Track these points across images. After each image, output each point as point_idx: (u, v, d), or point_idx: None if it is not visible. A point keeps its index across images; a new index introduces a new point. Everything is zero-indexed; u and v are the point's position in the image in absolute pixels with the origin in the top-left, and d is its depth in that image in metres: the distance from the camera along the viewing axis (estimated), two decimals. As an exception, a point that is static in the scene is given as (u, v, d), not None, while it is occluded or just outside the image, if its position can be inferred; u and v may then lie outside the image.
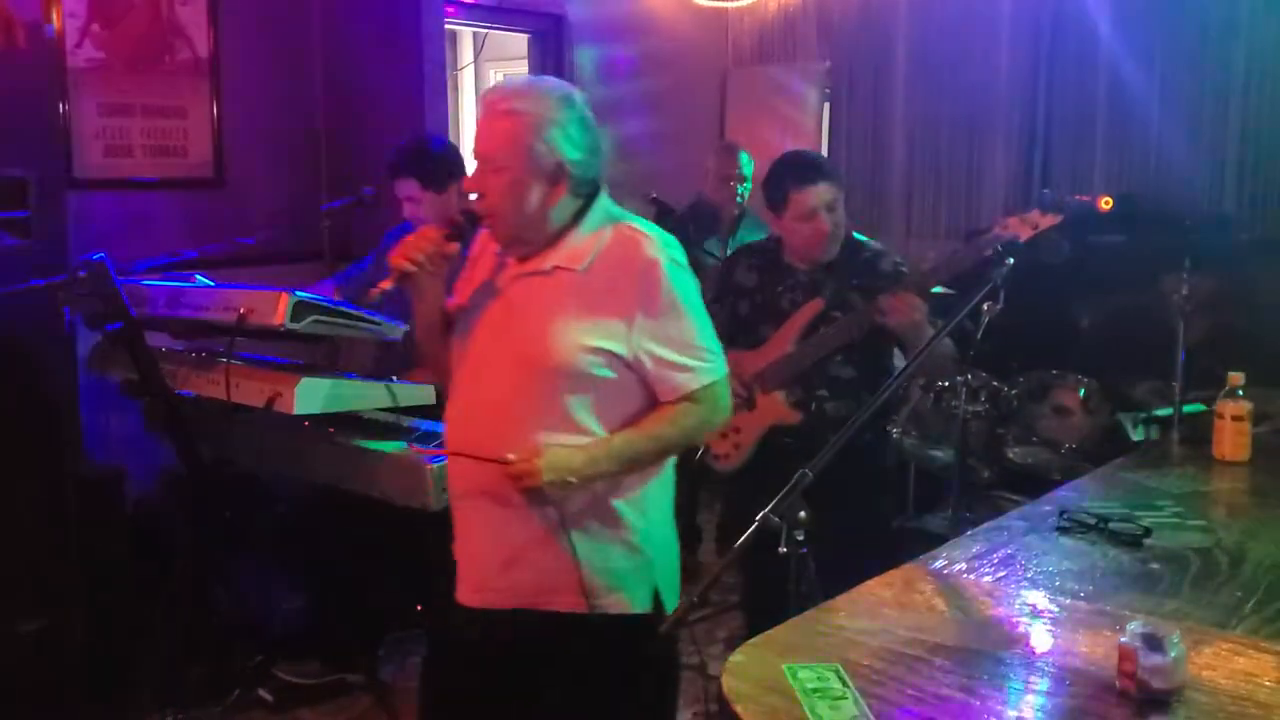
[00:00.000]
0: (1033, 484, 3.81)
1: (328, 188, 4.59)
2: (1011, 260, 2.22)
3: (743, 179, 4.55)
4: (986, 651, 1.64)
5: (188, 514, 3.21)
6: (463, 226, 2.09)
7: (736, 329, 3.08)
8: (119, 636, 3.32)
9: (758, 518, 1.93)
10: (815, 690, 1.46)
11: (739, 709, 1.41)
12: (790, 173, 2.91)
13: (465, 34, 7.25)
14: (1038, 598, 1.86)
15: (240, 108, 4.37)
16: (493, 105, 2.02)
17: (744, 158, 4.58)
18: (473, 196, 2.07)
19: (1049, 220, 2.50)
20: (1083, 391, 3.93)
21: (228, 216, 4.25)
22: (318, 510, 3.53)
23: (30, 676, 3.21)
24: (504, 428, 1.99)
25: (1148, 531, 2.13)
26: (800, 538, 1.95)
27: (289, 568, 3.75)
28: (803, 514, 1.94)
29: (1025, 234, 2.49)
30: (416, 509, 2.87)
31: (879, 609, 1.78)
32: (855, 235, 3.03)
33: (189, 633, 3.34)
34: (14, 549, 3.22)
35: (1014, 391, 3.99)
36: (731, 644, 4.05)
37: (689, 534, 4.84)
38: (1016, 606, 1.84)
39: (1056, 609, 1.82)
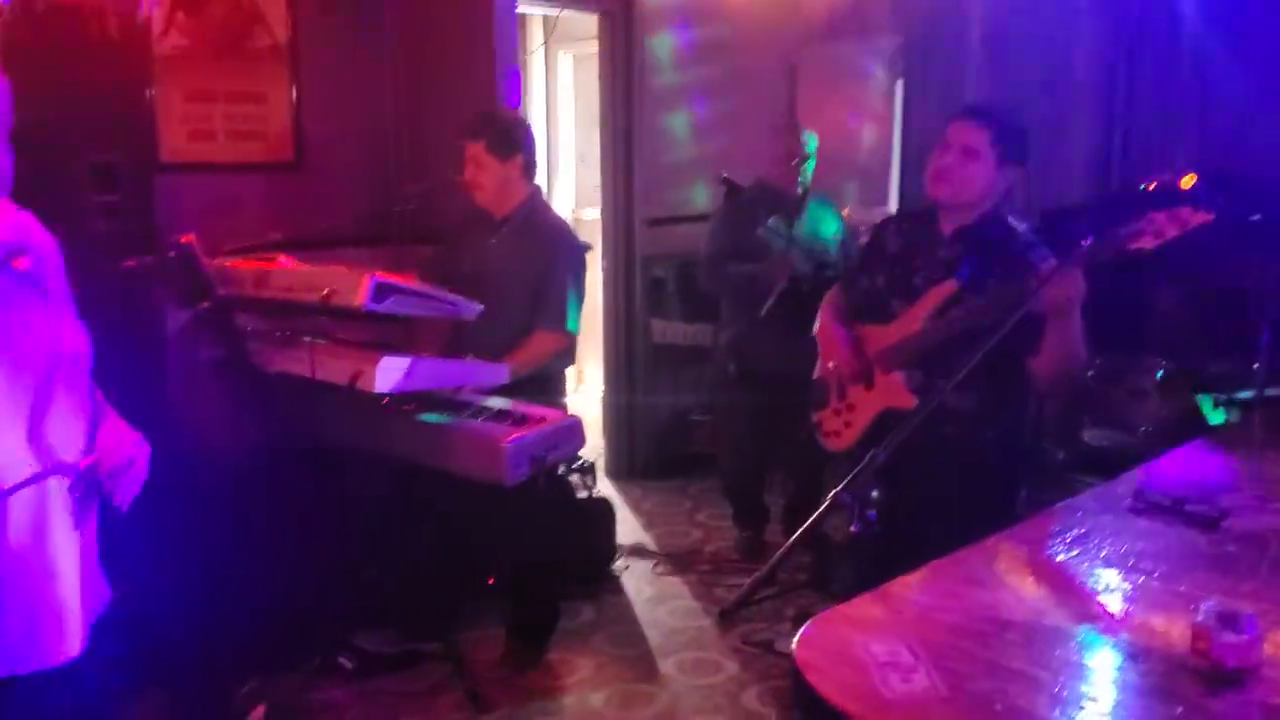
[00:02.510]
0: (1108, 466, 3.78)
1: (403, 171, 4.66)
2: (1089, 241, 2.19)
3: (805, 157, 4.52)
4: (1059, 628, 1.66)
5: (273, 488, 3.31)
6: None
7: (870, 300, 3.00)
8: (207, 605, 3.43)
9: (829, 496, 1.97)
10: (887, 663, 1.49)
11: (811, 679, 1.44)
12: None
13: (535, 17, 7.29)
14: (1111, 577, 1.87)
15: (318, 92, 4.45)
16: None
17: (806, 136, 4.55)
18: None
19: (1200, 218, 2.32)
20: (1160, 374, 3.88)
21: (307, 199, 4.34)
22: (397, 484, 3.61)
23: (123, 642, 3.33)
24: None
25: (1225, 514, 2.12)
26: (872, 516, 1.98)
27: (370, 539, 3.84)
28: (875, 493, 1.97)
29: (1172, 232, 2.32)
30: (491, 484, 2.95)
31: (951, 585, 1.80)
32: (1010, 220, 2.89)
33: (273, 602, 3.44)
34: (106, 520, 3.34)
35: (1089, 373, 3.95)
36: (800, 622, 4.08)
37: (757, 513, 4.88)
38: (1089, 585, 1.85)
39: (1130, 588, 1.83)
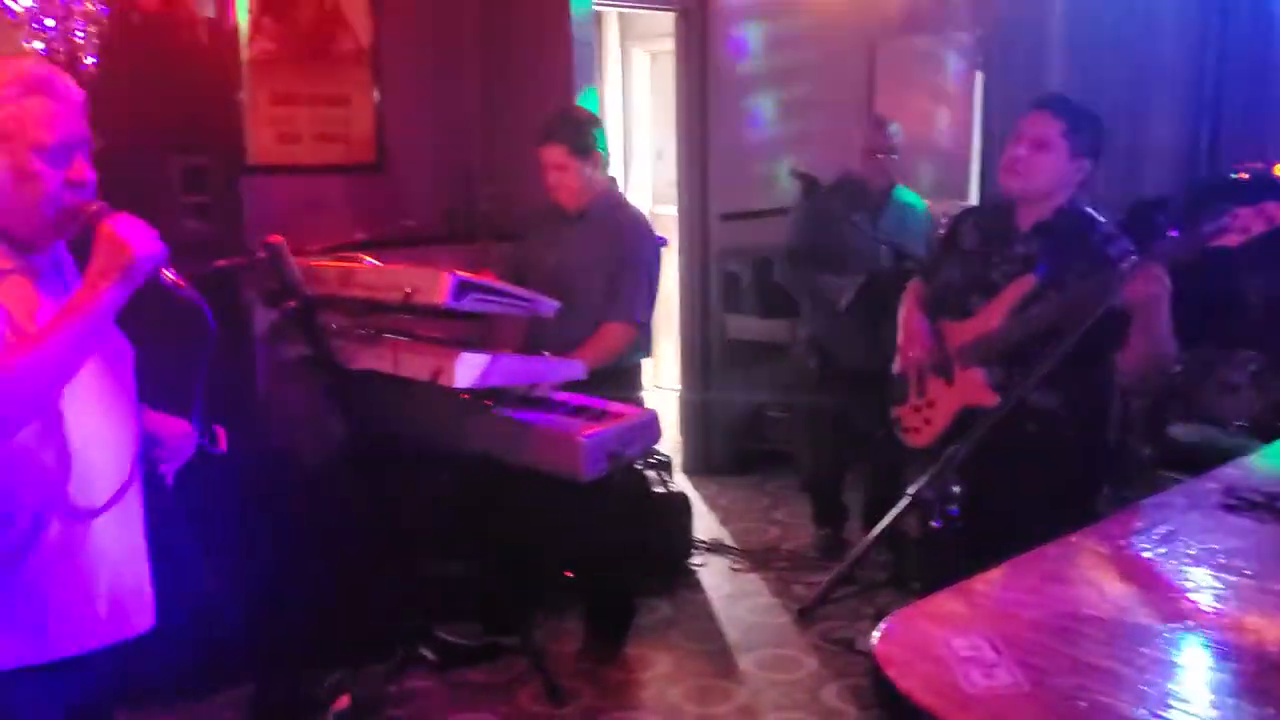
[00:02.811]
0: (1197, 463, 3.69)
1: (483, 170, 4.72)
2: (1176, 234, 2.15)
3: (891, 151, 4.50)
4: (1145, 625, 1.63)
5: (357, 483, 3.37)
6: None
7: (948, 295, 2.97)
8: (293, 597, 3.50)
9: (909, 492, 1.96)
10: (969, 658, 1.48)
11: (891, 674, 1.44)
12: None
13: (611, 15, 7.33)
14: (1200, 575, 1.83)
15: (400, 94, 4.53)
16: None
17: (893, 129, 4.52)
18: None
19: None
20: (1252, 368, 3.78)
21: (389, 200, 4.42)
22: (477, 479, 3.66)
23: (205, 635, 3.42)
24: None
25: (1321, 510, 2.07)
26: (953, 512, 1.97)
27: (452, 534, 3.90)
28: (956, 489, 1.96)
29: (1259, 227, 2.27)
30: (568, 480, 2.98)
31: (1033, 581, 1.78)
32: (1091, 212, 2.84)
33: (358, 595, 3.51)
34: (198, 514, 3.43)
35: (1177, 367, 3.86)
36: (879, 620, 4.05)
37: (834, 513, 4.85)
38: (1177, 582, 1.81)
39: (1220, 586, 1.79)
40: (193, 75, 3.40)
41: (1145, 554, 1.93)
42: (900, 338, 3.10)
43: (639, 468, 4.48)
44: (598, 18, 7.34)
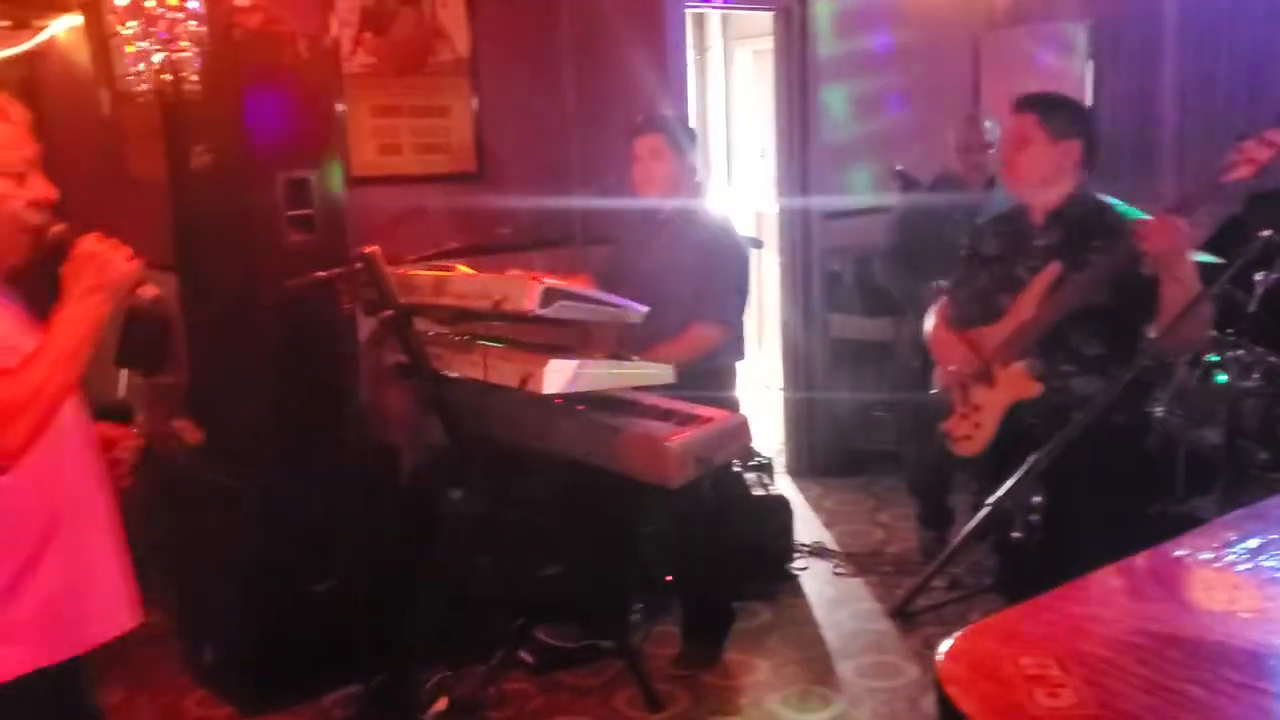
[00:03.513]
0: (1315, 467, 3.55)
1: (579, 175, 4.77)
2: (1269, 233, 2.08)
3: (987, 147, 4.40)
4: (1230, 646, 1.57)
5: (454, 486, 3.44)
6: None
7: (978, 303, 3.00)
8: (395, 599, 3.59)
9: (988, 503, 1.92)
10: (1034, 676, 1.45)
11: (952, 692, 1.42)
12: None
13: (713, 14, 7.32)
14: (1290, 591, 1.75)
15: (497, 103, 4.59)
16: None
17: (988, 125, 4.43)
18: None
19: None
20: (1377, 366, 3.59)
21: (488, 207, 4.49)
22: (572, 483, 3.70)
23: (322, 632, 3.54)
24: None
25: None
26: (1035, 521, 1.93)
27: (549, 537, 3.95)
28: (1036, 499, 1.92)
29: (1265, 155, 2.34)
30: (658, 485, 2.99)
31: (1112, 596, 1.73)
32: (1102, 197, 2.88)
33: (458, 597, 3.58)
34: (307, 516, 3.55)
35: (1212, 333, 3.67)
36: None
37: (940, 516, 4.76)
38: (1267, 602, 1.73)
39: (1310, 602, 1.71)
40: (295, 91, 3.48)
41: (1237, 568, 1.85)
42: (933, 354, 3.14)
43: (738, 470, 4.47)
44: (699, 18, 7.35)
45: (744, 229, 5.86)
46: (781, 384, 6.02)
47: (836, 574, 4.56)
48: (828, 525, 5.13)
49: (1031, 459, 1.91)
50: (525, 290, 2.89)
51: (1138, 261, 2.57)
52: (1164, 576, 1.82)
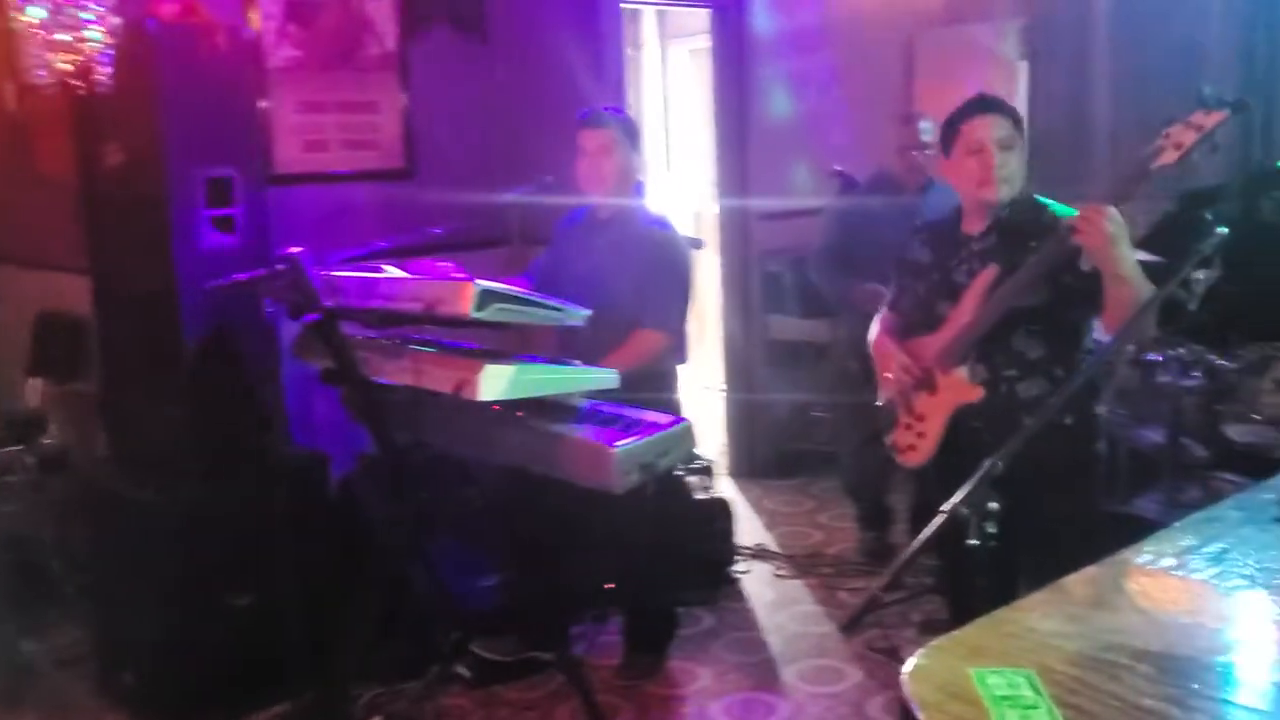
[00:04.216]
0: (1254, 465, 3.55)
1: (513, 173, 4.65)
2: (1224, 230, 2.04)
3: (924, 147, 4.38)
4: (1199, 659, 1.52)
5: (385, 496, 3.32)
6: None
7: (917, 312, 2.94)
8: (324, 613, 3.46)
9: (943, 509, 1.85)
10: (1005, 698, 1.38)
11: (923, 717, 1.34)
12: (964, 107, 2.77)
13: (648, 12, 7.24)
14: (1258, 599, 1.71)
15: (428, 99, 4.47)
16: None
17: (925, 126, 4.40)
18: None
19: (1215, 118, 2.27)
20: (1313, 363, 3.61)
21: (419, 206, 4.36)
22: (511, 491, 3.60)
23: (244, 649, 3.40)
24: None
25: (1388, 525, 1.93)
26: (991, 529, 1.86)
27: (485, 547, 3.84)
28: (992, 504, 1.85)
29: (1190, 138, 2.28)
30: (601, 491, 2.89)
31: (1076, 609, 1.66)
32: (1038, 198, 2.81)
33: (390, 610, 3.46)
34: (229, 529, 3.41)
35: (1233, 366, 3.70)
36: (926, 629, 3.95)
37: (879, 516, 4.74)
38: (1233, 609, 1.69)
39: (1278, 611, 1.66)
40: (213, 84, 3.34)
41: (1197, 576, 1.80)
42: (875, 364, 3.07)
43: (680, 474, 4.40)
44: (634, 15, 7.27)
45: (684, 230, 5.79)
46: (722, 385, 5.95)
47: (778, 576, 4.51)
48: (768, 527, 5.09)
49: (986, 464, 1.84)
50: (460, 292, 2.77)
51: (1075, 257, 2.53)
52: (1127, 586, 1.76)
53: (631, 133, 3.63)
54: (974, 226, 2.81)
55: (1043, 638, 1.57)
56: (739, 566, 4.53)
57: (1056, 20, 5.56)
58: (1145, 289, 2.45)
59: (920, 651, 1.55)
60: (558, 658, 3.61)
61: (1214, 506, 2.14)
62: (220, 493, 3.42)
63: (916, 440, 2.92)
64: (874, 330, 3.13)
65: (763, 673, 3.73)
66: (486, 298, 2.79)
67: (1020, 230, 2.72)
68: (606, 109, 3.67)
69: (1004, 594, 1.86)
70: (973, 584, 1.85)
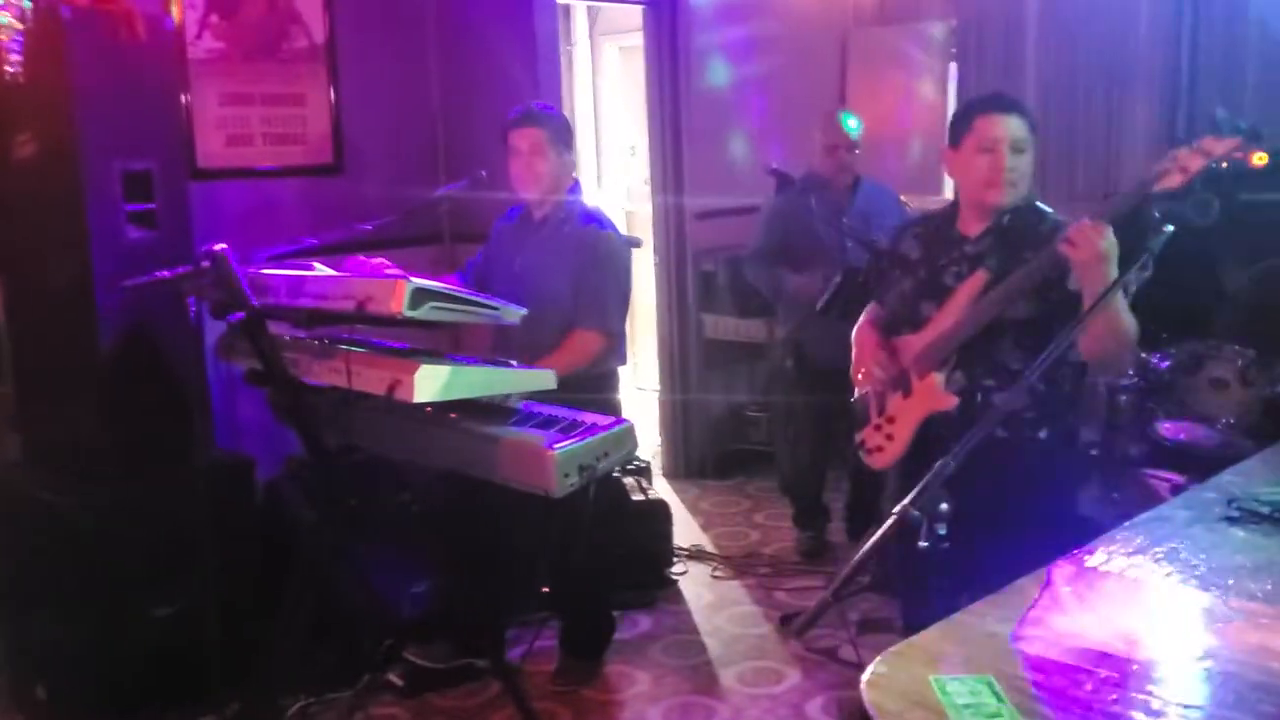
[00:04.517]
0: (1186, 462, 3.59)
1: (445, 169, 4.56)
2: (1170, 229, 2.02)
3: (850, 146, 4.37)
4: (1156, 661, 1.49)
5: (314, 500, 3.22)
6: None
7: (901, 309, 2.83)
8: (251, 621, 3.35)
9: (894, 510, 1.82)
10: (966, 705, 1.34)
11: (884, 727, 1.30)
12: (982, 101, 2.67)
13: (580, 8, 7.17)
14: (1210, 600, 1.69)
15: (357, 93, 4.36)
16: None
17: (848, 124, 4.38)
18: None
19: (1226, 145, 2.18)
20: (1240, 363, 3.65)
21: (348, 202, 4.25)
22: (445, 494, 3.51)
23: (167, 660, 3.27)
24: None
25: (1334, 521, 1.94)
26: (941, 531, 1.83)
27: (418, 552, 3.75)
28: (944, 506, 1.82)
29: (1197, 164, 2.19)
30: (540, 494, 2.83)
31: (1033, 613, 1.63)
32: (1039, 204, 2.70)
33: (319, 617, 3.36)
34: (148, 535, 3.28)
35: (1165, 363, 3.74)
36: (864, 628, 3.94)
37: (815, 515, 4.73)
38: (1188, 609, 1.67)
39: (1233, 612, 1.65)
40: (132, 76, 3.20)
41: (1150, 577, 1.79)
42: (854, 359, 2.97)
43: (617, 475, 4.34)
44: (565, 11, 7.19)
45: (621, 228, 5.73)
46: (658, 385, 5.91)
47: (715, 577, 4.48)
48: (705, 528, 5.05)
49: (938, 465, 1.80)
50: (392, 290, 2.68)
51: (1064, 273, 2.44)
52: (1082, 588, 1.74)
53: (563, 132, 3.54)
54: (970, 228, 2.70)
55: (1001, 642, 1.54)
56: (676, 568, 4.49)
57: (986, 20, 5.60)
58: (1127, 318, 2.41)
59: (878, 659, 1.51)
60: (492, 664, 3.54)
61: (1162, 506, 2.14)
62: (139, 497, 3.29)
63: (885, 442, 2.84)
64: (860, 321, 3.01)
65: (701, 676, 3.69)
66: (420, 296, 2.71)
67: (1018, 238, 2.61)
68: (538, 107, 3.58)
69: (959, 597, 1.83)
70: (925, 586, 1.81)
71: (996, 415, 1.87)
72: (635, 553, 4.23)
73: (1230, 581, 1.75)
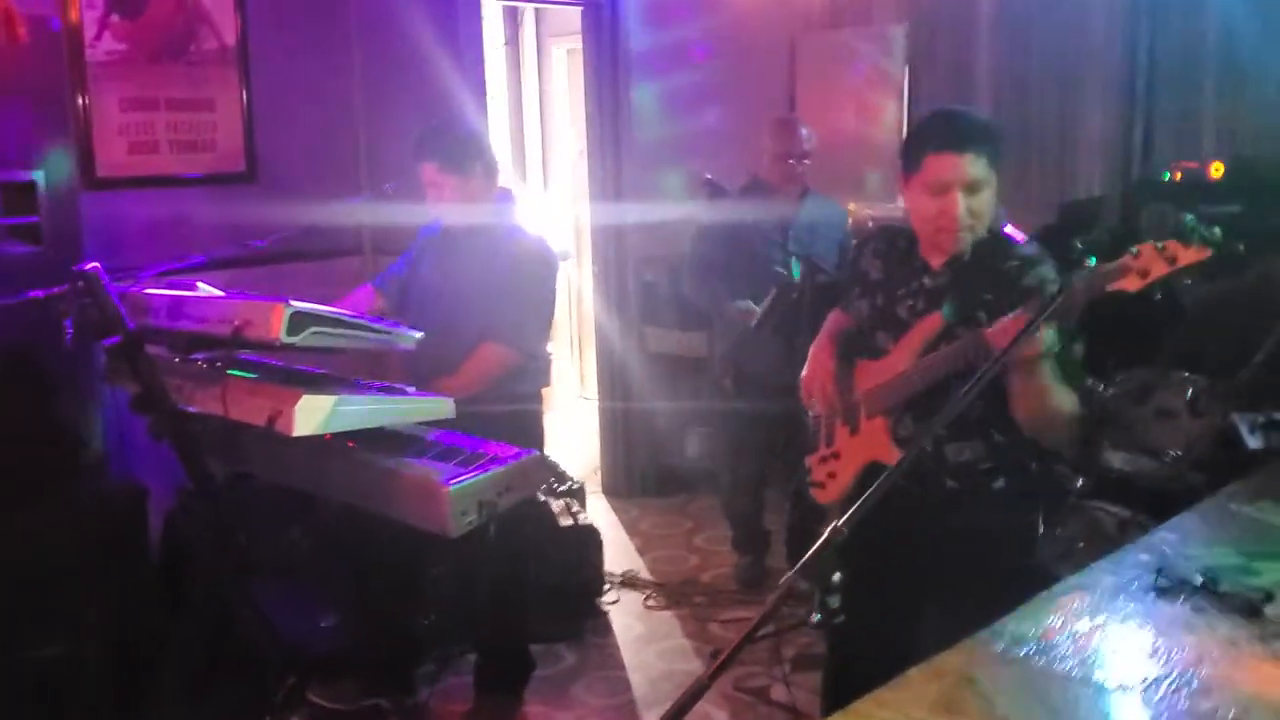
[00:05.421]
0: (1133, 494, 3.43)
1: (368, 176, 4.36)
2: (1094, 261, 1.84)
3: (804, 155, 4.20)
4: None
5: (204, 533, 3.03)
6: None
7: (857, 333, 2.60)
8: (145, 662, 3.15)
9: (781, 581, 1.63)
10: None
11: None
12: (934, 135, 2.32)
13: (528, 10, 6.98)
14: (1129, 702, 1.49)
15: (272, 97, 4.15)
16: None
17: (805, 133, 4.22)
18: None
19: (1192, 256, 1.91)
20: (1190, 391, 3.49)
21: (262, 212, 4.03)
22: (349, 523, 3.32)
23: (50, 703, 3.08)
24: None
25: (1269, 596, 1.74)
26: (835, 605, 1.65)
27: (322, 585, 3.56)
28: (836, 576, 1.64)
29: (1160, 270, 1.93)
30: (435, 533, 2.63)
31: (928, 712, 1.44)
32: (1007, 235, 2.44)
33: (217, 656, 3.17)
34: (32, 570, 3.08)
35: (1110, 392, 3.58)
36: (799, 665, 3.77)
37: (755, 540, 4.56)
38: (1104, 707, 1.48)
39: (1153, 713, 1.45)
40: (14, 79, 2.99)
41: (1062, 667, 1.57)
42: (806, 373, 2.69)
43: (543, 499, 4.16)
44: (512, 13, 7.01)
45: (557, 238, 5.55)
46: (597, 398, 5.72)
47: (648, 607, 4.30)
48: (642, 550, 4.88)
49: (827, 531, 1.61)
50: (269, 314, 2.48)
51: (985, 357, 2.17)
52: (981, 682, 1.54)
53: (456, 154, 3.29)
54: (931, 258, 2.45)
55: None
56: (608, 596, 4.30)
57: (939, 23, 5.44)
58: (1059, 397, 2.20)
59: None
60: (400, 705, 3.34)
61: (1084, 573, 1.91)
62: (22, 529, 3.08)
63: (827, 479, 2.63)
64: (822, 332, 2.73)
65: (624, 717, 3.51)
66: (299, 320, 2.51)
67: (978, 276, 2.36)
68: (427, 138, 3.34)
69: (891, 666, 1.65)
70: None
71: (894, 475, 1.68)
72: (561, 583, 4.04)
73: (1155, 671, 1.55)
